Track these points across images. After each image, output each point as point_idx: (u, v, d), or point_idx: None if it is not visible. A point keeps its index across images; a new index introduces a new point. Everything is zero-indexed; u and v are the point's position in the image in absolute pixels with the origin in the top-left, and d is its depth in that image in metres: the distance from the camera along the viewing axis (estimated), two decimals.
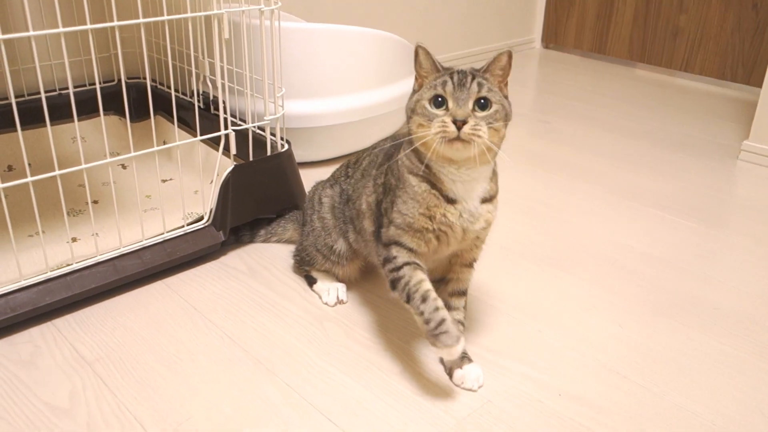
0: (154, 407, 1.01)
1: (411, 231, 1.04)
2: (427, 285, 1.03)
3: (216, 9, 1.27)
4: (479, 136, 0.94)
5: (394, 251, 1.06)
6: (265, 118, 1.43)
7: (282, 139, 1.49)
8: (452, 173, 1.01)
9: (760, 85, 1.98)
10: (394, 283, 1.05)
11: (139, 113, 1.85)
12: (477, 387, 1.07)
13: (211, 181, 1.46)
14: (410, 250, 1.06)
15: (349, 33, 1.75)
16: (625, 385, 1.09)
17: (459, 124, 0.94)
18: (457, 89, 0.96)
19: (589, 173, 1.90)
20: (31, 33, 1.03)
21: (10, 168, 1.67)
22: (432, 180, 1.02)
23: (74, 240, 1.38)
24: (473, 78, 0.97)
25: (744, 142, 2.02)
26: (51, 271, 1.20)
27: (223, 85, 1.39)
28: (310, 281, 1.33)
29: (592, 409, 1.03)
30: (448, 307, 1.12)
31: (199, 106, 1.68)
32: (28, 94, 1.73)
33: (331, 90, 1.76)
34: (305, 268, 1.34)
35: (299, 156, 1.63)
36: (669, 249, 1.51)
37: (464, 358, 1.09)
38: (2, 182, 1.10)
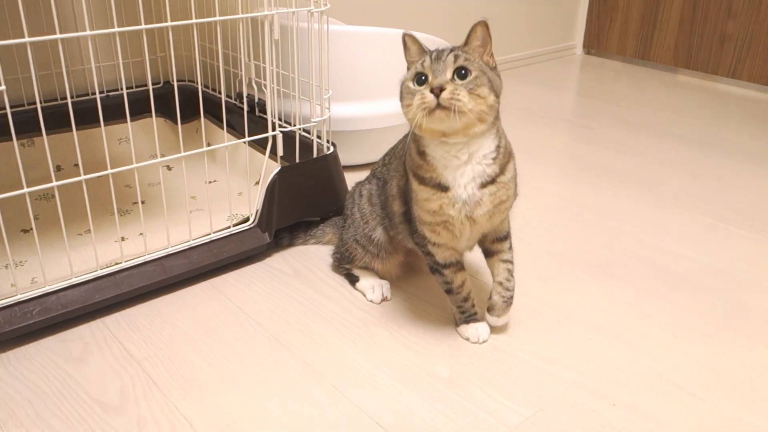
0: (203, 407, 1.01)
1: (426, 224, 1.09)
2: (469, 287, 1.17)
3: (267, 10, 1.27)
4: (458, 100, 0.94)
5: (430, 248, 1.13)
6: (311, 120, 1.43)
7: (328, 141, 1.49)
8: (444, 157, 1.02)
9: None
10: (434, 271, 1.17)
11: (184, 116, 1.87)
12: (506, 322, 1.19)
13: (256, 183, 1.46)
14: (438, 245, 1.11)
15: (394, 36, 1.75)
16: (682, 395, 1.05)
17: (437, 91, 0.94)
18: (434, 62, 0.98)
19: (637, 179, 1.86)
20: (88, 33, 1.04)
21: (58, 168, 1.69)
22: (422, 174, 1.04)
23: (123, 239, 1.39)
24: (451, 51, 0.99)
25: None
26: (101, 269, 1.21)
27: (271, 88, 1.39)
28: (352, 279, 1.32)
29: (649, 420, 1.00)
30: (493, 252, 1.17)
31: (243, 109, 1.69)
32: (78, 95, 1.75)
33: (375, 93, 1.76)
34: (345, 266, 1.33)
35: (344, 159, 1.63)
36: (722, 257, 1.46)
37: (509, 305, 1.17)
38: (54, 181, 1.11)
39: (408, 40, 1.04)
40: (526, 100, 2.55)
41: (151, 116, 1.87)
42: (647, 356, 1.14)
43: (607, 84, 2.82)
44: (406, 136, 1.23)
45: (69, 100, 1.09)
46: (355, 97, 1.74)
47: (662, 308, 1.28)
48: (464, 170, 1.02)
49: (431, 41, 1.84)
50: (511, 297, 1.16)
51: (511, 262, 1.17)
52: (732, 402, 1.04)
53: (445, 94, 0.94)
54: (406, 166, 1.12)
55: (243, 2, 1.24)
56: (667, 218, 1.64)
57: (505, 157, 1.06)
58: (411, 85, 0.99)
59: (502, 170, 1.05)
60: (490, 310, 1.17)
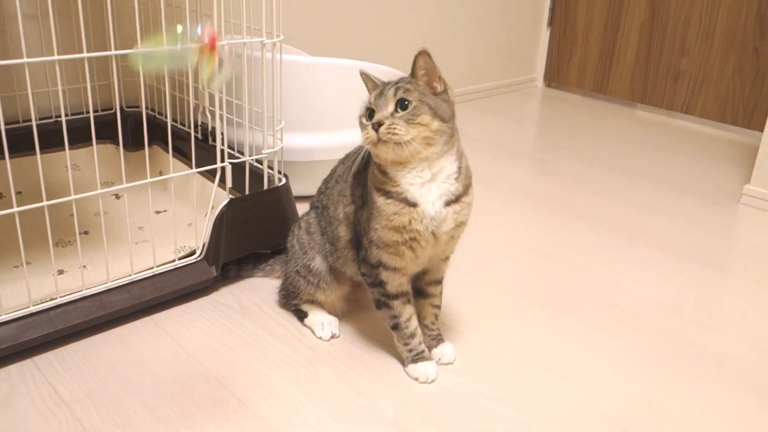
0: None
1: (386, 247, 1.08)
2: (415, 322, 1.16)
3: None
4: (395, 133, 0.99)
5: (383, 275, 1.11)
6: (263, 151, 1.40)
7: (280, 172, 1.46)
8: (405, 176, 1.04)
9: (761, 128, 1.97)
10: (380, 306, 1.15)
11: (138, 143, 1.83)
12: (453, 360, 1.20)
13: (206, 214, 1.42)
14: (395, 269, 1.10)
15: (350, 67, 1.74)
16: None
17: (376, 126, 1.00)
18: (378, 98, 1.04)
19: (591, 213, 1.87)
20: (26, 60, 1.01)
21: (0, 196, 1.63)
22: (389, 188, 1.05)
23: (61, 272, 1.34)
24: (394, 84, 1.04)
25: (745, 186, 2.00)
26: (34, 305, 1.16)
27: (221, 116, 1.36)
28: (300, 315, 1.29)
29: None
30: (426, 294, 1.21)
31: (197, 137, 1.66)
32: (24, 121, 1.70)
33: (330, 124, 1.74)
34: (292, 302, 1.30)
35: (297, 190, 1.60)
36: (672, 293, 1.47)
37: (439, 339, 1.21)
38: None
39: (363, 77, 1.11)
40: (486, 131, 2.56)
41: (103, 143, 1.84)
42: (595, 395, 1.13)
43: (566, 117, 2.86)
44: (343, 161, 1.24)
45: (2, 127, 1.05)
46: (310, 128, 1.73)
47: (612, 346, 1.27)
48: (430, 187, 1.05)
49: (390, 73, 1.84)
50: (439, 335, 1.22)
51: (439, 308, 1.23)
52: None
53: (382, 129, 1.00)
54: (363, 187, 1.11)
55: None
56: (620, 253, 1.65)
57: (467, 177, 1.10)
58: (363, 120, 1.06)
59: (465, 191, 1.09)
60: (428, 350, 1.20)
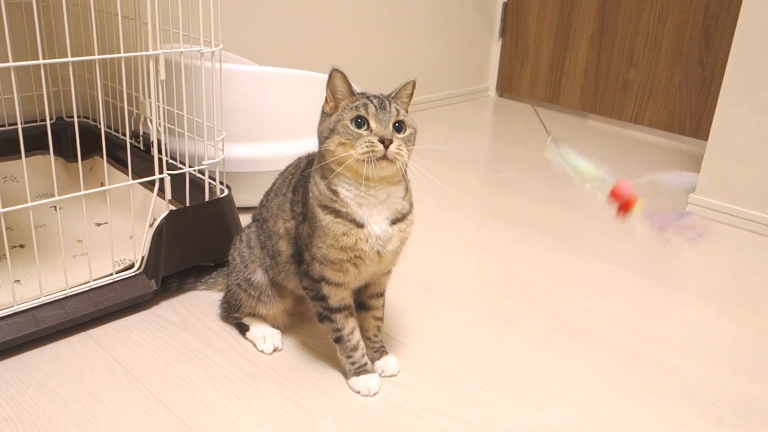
0: None
1: (330, 264, 1.07)
2: (358, 335, 1.15)
3: (152, 49, 1.23)
4: (401, 156, 1.01)
5: (325, 290, 1.10)
6: (203, 162, 1.38)
7: (222, 183, 1.44)
8: (359, 196, 1.03)
9: (706, 138, 2.01)
10: (322, 320, 1.14)
11: (77, 153, 1.78)
12: (396, 372, 1.19)
13: (151, 225, 1.39)
14: (338, 285, 1.09)
15: (294, 76, 1.73)
16: None
17: (387, 143, 0.99)
18: (380, 111, 1.01)
19: (541, 224, 1.89)
20: None
21: None
22: (337, 207, 1.03)
23: None
24: (390, 102, 1.04)
25: (691, 195, 2.04)
26: None
27: (160, 126, 1.33)
28: (242, 329, 1.27)
29: None
30: (368, 307, 1.20)
31: (139, 148, 1.63)
32: None
33: (274, 134, 1.72)
34: (234, 315, 1.28)
35: (241, 201, 1.58)
36: (617, 304, 1.49)
37: (382, 351, 1.20)
38: None
39: (338, 77, 1.04)
40: (439, 141, 2.57)
41: (42, 154, 1.79)
42: (538, 408, 1.13)
43: (518, 127, 2.88)
44: (282, 173, 1.23)
45: None
46: (255, 138, 1.71)
47: (557, 357, 1.28)
48: (381, 208, 1.05)
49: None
50: (382, 347, 1.21)
51: (382, 320, 1.22)
52: None
53: (392, 148, 0.99)
54: (309, 210, 1.08)
55: (131, 39, 1.19)
56: (567, 264, 1.66)
57: (410, 194, 1.11)
58: (350, 125, 1.01)
59: (410, 208, 1.10)
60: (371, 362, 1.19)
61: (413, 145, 1.05)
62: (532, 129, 2.85)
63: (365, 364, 1.15)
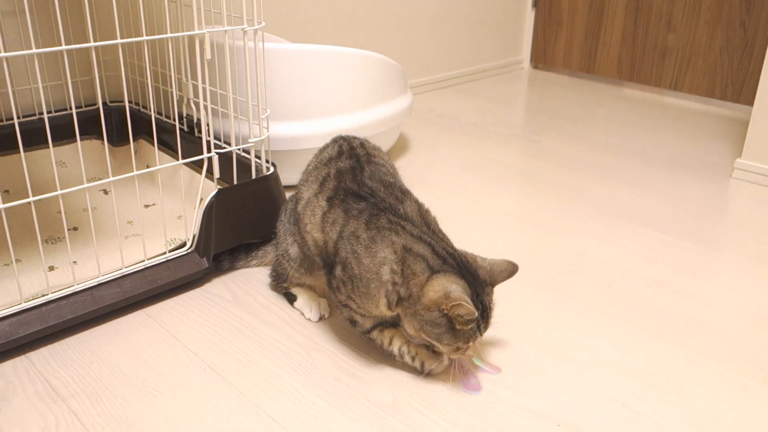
0: None
1: (370, 316, 1.10)
2: (398, 341, 1.12)
3: (197, 29, 1.24)
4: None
5: (358, 318, 1.12)
6: (249, 140, 1.39)
7: (267, 161, 1.46)
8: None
9: (749, 103, 1.97)
10: (364, 335, 1.15)
11: (123, 137, 1.81)
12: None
13: (195, 206, 1.41)
14: (368, 317, 1.11)
15: (335, 54, 1.73)
16: (626, 413, 1.04)
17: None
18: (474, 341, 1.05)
19: (582, 193, 1.87)
20: (3, 54, 0.99)
21: None
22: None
23: (52, 269, 1.33)
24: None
25: (737, 160, 2.00)
26: (25, 301, 1.15)
27: (206, 107, 1.35)
28: (290, 299, 1.30)
29: None
30: None
31: (183, 129, 1.65)
32: (7, 119, 1.69)
33: (317, 111, 1.73)
34: (283, 285, 1.31)
35: (286, 179, 1.59)
36: (665, 270, 1.47)
37: None
38: None
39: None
40: (475, 115, 2.56)
41: (89, 139, 1.83)
42: (591, 374, 1.13)
43: (555, 98, 2.85)
44: (318, 157, 1.22)
45: (16, 122, 1.04)
46: (296, 116, 1.71)
47: (606, 324, 1.27)
48: None
49: (384, 62, 1.83)
50: None
51: None
52: (675, 417, 1.03)
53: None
54: (328, 220, 1.09)
55: (173, 21, 1.20)
56: (611, 232, 1.65)
57: None
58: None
59: None
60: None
61: None
62: (568, 99, 2.82)
63: (422, 365, 1.10)
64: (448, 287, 0.97)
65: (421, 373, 1.11)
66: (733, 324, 1.28)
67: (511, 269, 1.08)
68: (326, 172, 1.16)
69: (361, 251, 1.03)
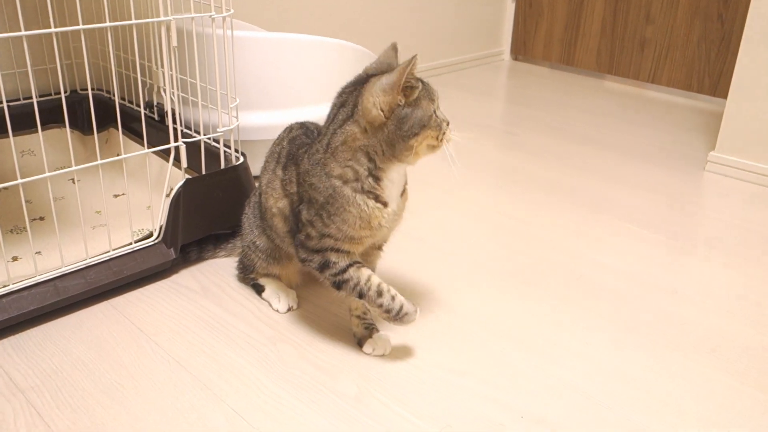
0: None
1: (349, 240, 1.06)
2: (376, 279, 1.08)
3: (162, 15, 1.21)
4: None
5: (333, 257, 1.08)
6: (218, 129, 1.38)
7: (237, 151, 1.44)
8: (396, 177, 1.06)
9: (725, 96, 1.97)
10: (339, 285, 1.09)
11: (92, 126, 1.78)
12: (388, 351, 1.14)
13: (168, 195, 1.40)
14: (347, 252, 1.08)
15: (309, 42, 1.71)
16: (590, 405, 1.04)
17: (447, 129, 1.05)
18: (437, 98, 1.04)
19: (558, 186, 1.87)
20: None
21: None
22: (378, 193, 1.05)
23: (15, 259, 1.31)
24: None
25: (710, 153, 2.01)
26: None
27: (174, 95, 1.33)
28: (258, 289, 1.29)
29: None
30: None
31: (153, 118, 1.62)
32: None
33: (290, 101, 1.71)
34: (250, 276, 1.30)
35: (257, 169, 1.57)
36: (637, 263, 1.47)
37: (372, 328, 1.16)
38: None
39: (416, 64, 0.99)
40: (454, 106, 2.55)
41: (58, 127, 1.79)
42: (558, 366, 1.13)
43: (534, 90, 2.85)
44: (272, 148, 1.22)
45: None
46: (268, 105, 1.70)
47: (576, 316, 1.28)
48: (398, 185, 1.09)
49: (363, 53, 1.81)
50: (372, 324, 1.17)
51: None
52: (638, 411, 1.04)
53: (449, 133, 1.05)
54: (322, 195, 1.05)
55: (140, 7, 1.18)
56: (585, 225, 1.65)
57: None
58: (436, 116, 1.04)
59: (406, 179, 1.12)
60: (361, 343, 1.16)
61: None
62: (547, 91, 2.81)
63: (401, 306, 1.07)
64: (369, 88, 0.99)
65: (396, 316, 1.06)
66: (697, 315, 1.29)
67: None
68: (279, 148, 1.19)
69: (315, 180, 1.04)
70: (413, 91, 0.99)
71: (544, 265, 1.45)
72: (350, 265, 1.08)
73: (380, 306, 1.06)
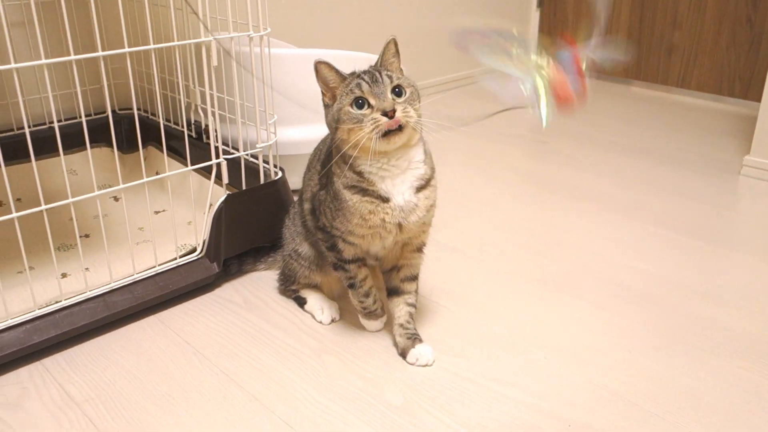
0: None
1: (353, 235, 1.10)
2: (370, 282, 1.18)
3: (204, 36, 1.25)
4: (410, 117, 1.01)
5: (340, 244, 1.13)
6: (257, 145, 1.40)
7: (275, 166, 1.47)
8: (382, 170, 1.05)
9: (758, 99, 1.96)
10: (336, 268, 1.18)
11: (133, 144, 1.83)
12: (432, 362, 1.15)
13: (205, 212, 1.43)
14: (352, 244, 1.12)
15: (341, 57, 1.73)
16: (638, 413, 1.04)
17: (390, 114, 0.99)
18: (373, 85, 1.02)
19: (590, 193, 1.87)
20: (13, 65, 1.01)
21: (0, 203, 1.64)
22: (365, 186, 1.05)
23: (64, 276, 1.34)
24: (381, 72, 1.04)
25: (745, 157, 2.00)
26: (39, 308, 1.16)
27: (213, 113, 1.36)
28: (300, 302, 1.32)
29: None
30: (401, 291, 1.19)
31: (191, 136, 1.66)
32: (18, 128, 1.71)
33: (323, 116, 1.73)
34: (291, 288, 1.32)
35: (295, 183, 1.60)
36: (675, 269, 1.47)
37: (416, 339, 1.16)
38: None
39: (323, 68, 1.06)
40: (479, 117, 2.56)
41: (99, 147, 1.84)
42: (601, 374, 1.13)
43: None
44: (319, 150, 1.26)
45: (27, 131, 1.05)
46: (303, 120, 1.72)
47: (616, 323, 1.28)
48: (403, 177, 1.06)
49: (366, 59, 1.83)
50: (415, 334, 1.18)
51: (415, 306, 1.21)
52: (688, 417, 1.03)
53: (398, 115, 1.00)
54: (331, 191, 1.10)
55: (180, 29, 1.21)
56: (619, 231, 1.65)
57: (430, 158, 1.11)
58: (351, 110, 1.01)
59: (432, 173, 1.11)
60: (404, 353, 1.17)
61: (419, 102, 1.05)
62: None
63: (375, 310, 1.21)
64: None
65: (370, 314, 1.20)
66: (743, 322, 1.28)
67: None
68: (322, 145, 1.23)
69: (331, 176, 1.10)
70: (333, 91, 1.06)
71: (581, 272, 1.45)
72: (354, 261, 1.15)
73: (361, 302, 1.19)
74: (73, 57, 1.07)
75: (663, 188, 1.90)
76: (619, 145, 2.26)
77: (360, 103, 1.01)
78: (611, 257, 1.52)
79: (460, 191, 1.82)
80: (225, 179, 1.37)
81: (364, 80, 1.02)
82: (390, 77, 1.03)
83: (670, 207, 1.78)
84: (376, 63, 1.07)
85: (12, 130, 1.70)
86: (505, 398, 1.07)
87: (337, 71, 1.06)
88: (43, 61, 1.04)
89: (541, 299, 1.36)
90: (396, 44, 1.07)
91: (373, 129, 0.99)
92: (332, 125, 1.06)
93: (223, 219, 1.35)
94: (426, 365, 1.15)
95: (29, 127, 1.19)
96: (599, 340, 1.22)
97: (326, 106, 1.09)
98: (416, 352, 1.15)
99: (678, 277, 1.43)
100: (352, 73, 1.06)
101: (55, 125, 1.11)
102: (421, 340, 1.17)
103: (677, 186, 1.92)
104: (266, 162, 1.45)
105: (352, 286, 1.18)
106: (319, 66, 1.05)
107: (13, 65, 1.00)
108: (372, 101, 1.01)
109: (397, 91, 1.03)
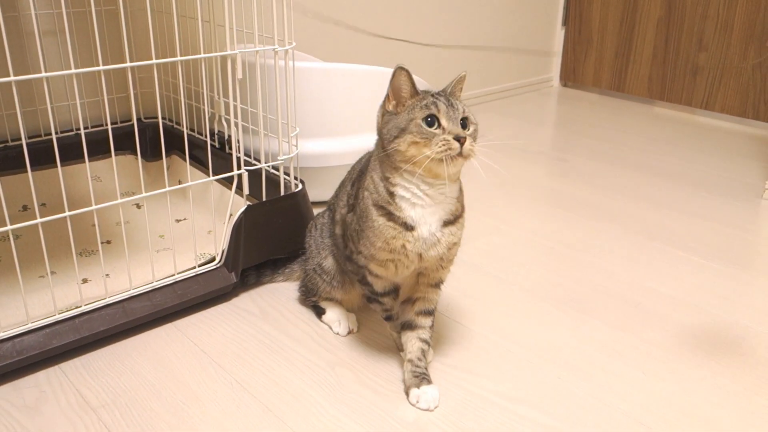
0: None
1: (374, 260, 1.09)
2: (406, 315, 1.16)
3: (229, 49, 1.27)
4: (474, 153, 1.01)
5: (369, 278, 1.13)
6: (278, 157, 1.42)
7: (296, 178, 1.48)
8: (416, 197, 1.03)
9: None
10: (370, 300, 1.19)
11: (156, 153, 1.86)
12: (433, 407, 1.09)
13: (225, 222, 1.44)
14: (378, 276, 1.12)
15: (364, 72, 1.75)
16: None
17: (462, 141, 0.98)
18: (449, 109, 1.01)
19: (610, 213, 1.86)
20: (44, 75, 1.03)
21: (25, 208, 1.67)
22: (392, 210, 1.04)
23: (85, 281, 1.36)
24: (455, 100, 1.03)
25: (767, 182, 1.98)
26: (59, 313, 1.18)
27: (236, 124, 1.38)
28: (318, 312, 1.32)
29: None
30: (415, 326, 1.15)
31: (213, 146, 1.68)
32: (46, 134, 1.74)
33: (346, 129, 1.75)
34: (312, 299, 1.33)
35: (314, 195, 1.61)
36: (694, 291, 1.46)
37: (423, 378, 1.11)
38: (15, 223, 1.09)
39: (403, 75, 1.02)
40: (503, 133, 2.56)
41: (123, 154, 1.87)
42: (615, 395, 1.12)
43: (584, 116, 2.84)
44: (354, 169, 1.24)
45: (24, 141, 1.07)
46: (324, 134, 1.74)
47: (632, 344, 1.26)
48: (434, 209, 1.04)
49: (417, 82, 1.85)
50: (423, 373, 1.11)
51: (428, 344, 1.15)
52: None
53: (467, 146, 0.99)
54: (360, 208, 1.09)
55: (207, 41, 1.24)
56: (639, 252, 1.64)
57: (462, 194, 1.10)
58: (423, 124, 0.99)
59: (462, 210, 1.09)
60: (407, 392, 1.11)
61: (475, 141, 1.04)
62: (597, 118, 2.81)
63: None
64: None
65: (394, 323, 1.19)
66: (763, 348, 1.26)
67: None
68: (357, 164, 1.22)
69: (359, 191, 1.10)
70: (402, 101, 1.04)
71: (600, 292, 1.45)
72: (387, 294, 1.15)
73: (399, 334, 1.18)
74: (102, 68, 1.09)
75: (684, 210, 1.89)
76: (640, 165, 2.24)
77: (431, 121, 0.99)
78: (629, 277, 1.51)
79: (480, 208, 1.82)
80: (246, 190, 1.38)
81: (441, 101, 1.01)
82: (463, 108, 1.02)
83: (691, 229, 1.76)
84: (445, 90, 1.06)
85: (39, 135, 1.74)
86: (517, 417, 1.07)
87: (413, 82, 1.03)
88: (73, 71, 1.06)
89: (557, 318, 1.35)
90: (465, 80, 1.08)
91: (443, 150, 0.97)
92: (392, 133, 1.01)
93: (242, 229, 1.37)
94: (427, 410, 1.08)
95: (56, 133, 1.22)
96: (614, 361, 1.21)
97: (388, 113, 1.05)
98: (418, 393, 1.09)
99: (697, 300, 1.42)
100: (425, 91, 1.05)
101: (82, 132, 1.13)
102: (429, 381, 1.11)
103: (699, 208, 1.90)
104: (287, 174, 1.47)
105: (389, 318, 1.18)
106: (400, 72, 1.02)
107: (43, 74, 1.03)
108: (444, 123, 0.99)
109: (463, 123, 1.01)
